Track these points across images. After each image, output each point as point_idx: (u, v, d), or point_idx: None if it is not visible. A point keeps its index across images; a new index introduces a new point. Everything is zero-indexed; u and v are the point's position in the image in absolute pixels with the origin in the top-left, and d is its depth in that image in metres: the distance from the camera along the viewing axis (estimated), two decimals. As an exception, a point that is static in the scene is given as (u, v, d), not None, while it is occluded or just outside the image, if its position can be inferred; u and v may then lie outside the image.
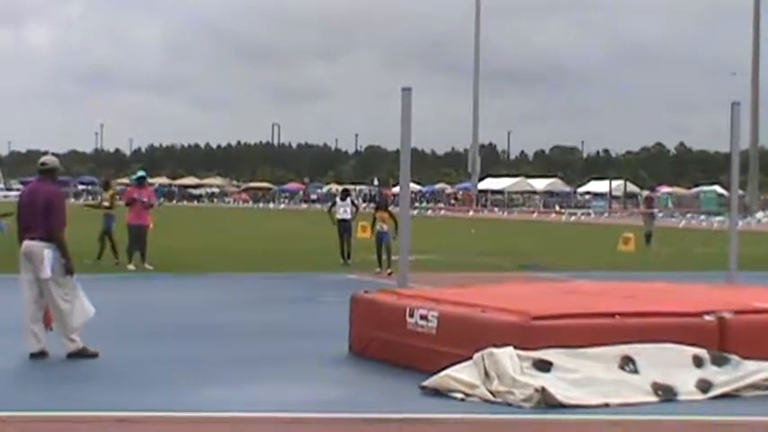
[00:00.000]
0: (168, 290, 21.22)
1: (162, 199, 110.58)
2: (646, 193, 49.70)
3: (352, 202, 28.59)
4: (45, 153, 15.48)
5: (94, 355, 11.93)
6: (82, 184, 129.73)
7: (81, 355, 11.89)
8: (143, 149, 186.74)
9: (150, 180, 52.14)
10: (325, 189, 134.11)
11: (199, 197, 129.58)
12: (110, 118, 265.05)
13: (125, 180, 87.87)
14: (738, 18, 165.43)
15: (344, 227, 27.76)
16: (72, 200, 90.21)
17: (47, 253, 11.89)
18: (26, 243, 12.06)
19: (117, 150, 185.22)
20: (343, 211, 27.97)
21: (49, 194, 12.15)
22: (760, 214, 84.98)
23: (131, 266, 24.39)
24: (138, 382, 10.69)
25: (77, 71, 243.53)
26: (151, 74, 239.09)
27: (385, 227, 24.88)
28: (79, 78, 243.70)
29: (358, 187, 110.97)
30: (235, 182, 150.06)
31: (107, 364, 11.66)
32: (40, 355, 11.89)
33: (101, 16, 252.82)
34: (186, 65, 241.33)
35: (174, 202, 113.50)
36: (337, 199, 29.17)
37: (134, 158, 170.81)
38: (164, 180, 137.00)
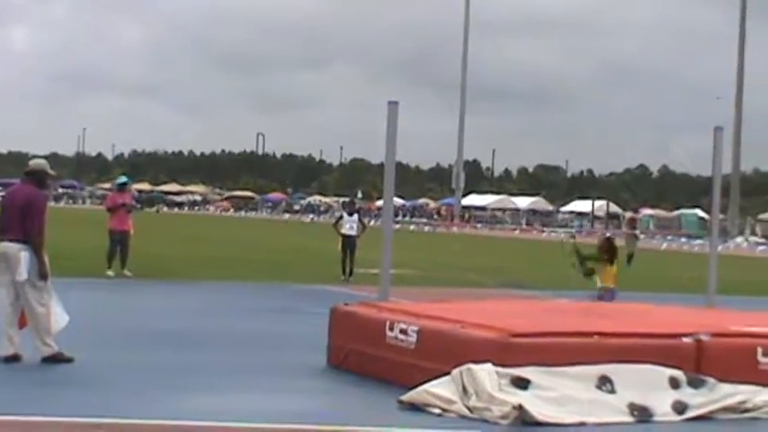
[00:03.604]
0: (147, 296, 21.18)
1: (160, 204, 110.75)
2: (629, 214, 49.80)
3: (360, 219, 28.41)
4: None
5: (69, 360, 11.86)
6: (62, 187, 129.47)
7: (56, 359, 11.82)
8: (126, 155, 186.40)
9: (133, 186, 52.04)
10: (308, 200, 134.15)
11: (181, 204, 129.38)
12: (93, 122, 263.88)
13: (107, 185, 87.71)
14: (723, 41, 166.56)
15: (350, 242, 27.36)
16: (53, 203, 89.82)
17: (23, 255, 11.83)
18: (3, 245, 12.01)
19: (99, 155, 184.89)
20: (350, 226, 27.66)
21: (28, 197, 12.10)
22: (740, 239, 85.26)
23: (110, 272, 24.28)
24: (115, 389, 10.65)
25: (61, 74, 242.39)
26: (136, 79, 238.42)
27: (608, 284, 16.87)
28: (63, 81, 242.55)
29: (341, 199, 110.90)
30: (217, 190, 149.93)
31: (83, 370, 11.61)
32: (13, 359, 11.82)
33: (85, 19, 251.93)
34: (171, 71, 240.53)
35: (155, 208, 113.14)
36: (344, 213, 29.02)
37: (116, 163, 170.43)
38: (146, 186, 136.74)
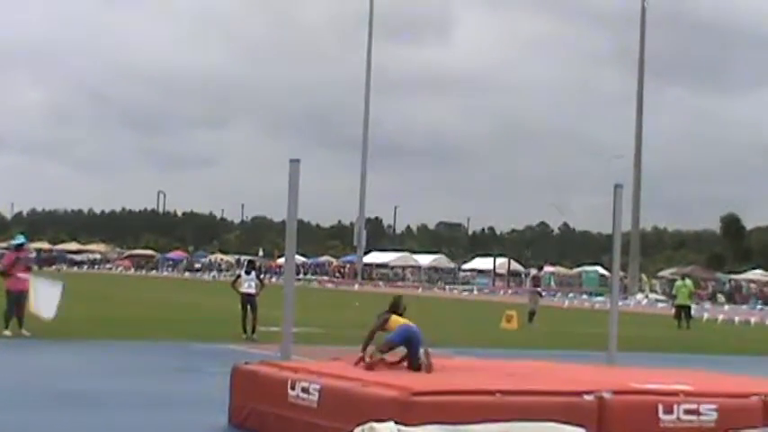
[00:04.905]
0: (46, 356, 20.77)
1: (61, 264, 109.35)
2: (533, 271, 50.28)
3: (258, 277, 28.24)
4: None
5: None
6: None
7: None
8: (24, 213, 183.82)
9: (31, 245, 51.53)
10: (209, 258, 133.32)
11: (80, 263, 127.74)
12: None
13: (4, 245, 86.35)
14: (621, 102, 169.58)
15: (249, 301, 27.13)
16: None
17: None
18: None
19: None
20: (248, 285, 27.50)
21: None
22: (640, 296, 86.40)
23: (7, 332, 23.85)
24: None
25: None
26: (35, 137, 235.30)
27: None
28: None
29: (241, 257, 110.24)
30: (118, 248, 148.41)
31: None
32: None
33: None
34: (70, 128, 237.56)
35: (54, 267, 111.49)
36: (242, 272, 28.84)
37: (15, 222, 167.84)
38: (45, 245, 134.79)
